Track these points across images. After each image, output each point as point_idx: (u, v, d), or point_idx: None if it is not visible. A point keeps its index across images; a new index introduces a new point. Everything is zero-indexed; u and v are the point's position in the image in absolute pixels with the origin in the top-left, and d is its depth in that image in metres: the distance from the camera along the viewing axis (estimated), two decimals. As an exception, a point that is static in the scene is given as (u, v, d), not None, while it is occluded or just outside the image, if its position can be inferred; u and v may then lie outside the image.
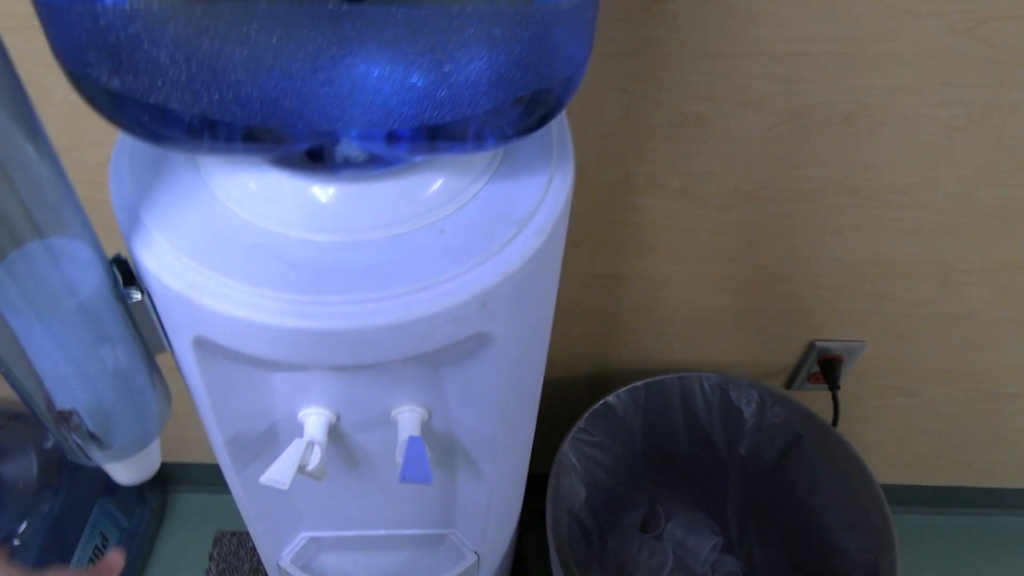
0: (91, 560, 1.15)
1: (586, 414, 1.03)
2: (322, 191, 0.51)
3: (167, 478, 1.43)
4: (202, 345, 0.54)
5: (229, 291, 0.48)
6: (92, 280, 0.49)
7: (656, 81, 0.77)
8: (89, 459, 0.59)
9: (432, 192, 0.53)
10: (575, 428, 1.02)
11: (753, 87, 0.77)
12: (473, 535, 0.81)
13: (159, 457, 0.67)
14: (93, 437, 0.58)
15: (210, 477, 1.27)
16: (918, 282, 0.99)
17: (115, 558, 0.60)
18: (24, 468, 1.04)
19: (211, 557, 1.35)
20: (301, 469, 0.62)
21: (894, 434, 1.27)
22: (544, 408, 1.02)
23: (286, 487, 0.59)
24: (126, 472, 0.63)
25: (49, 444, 1.05)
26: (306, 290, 0.48)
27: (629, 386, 1.06)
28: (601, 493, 1.11)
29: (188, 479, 1.43)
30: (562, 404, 1.11)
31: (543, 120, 0.50)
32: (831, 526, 1.04)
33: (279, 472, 0.61)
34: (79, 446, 0.57)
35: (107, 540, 1.20)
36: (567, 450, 1.00)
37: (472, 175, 0.55)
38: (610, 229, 0.92)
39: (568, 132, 0.60)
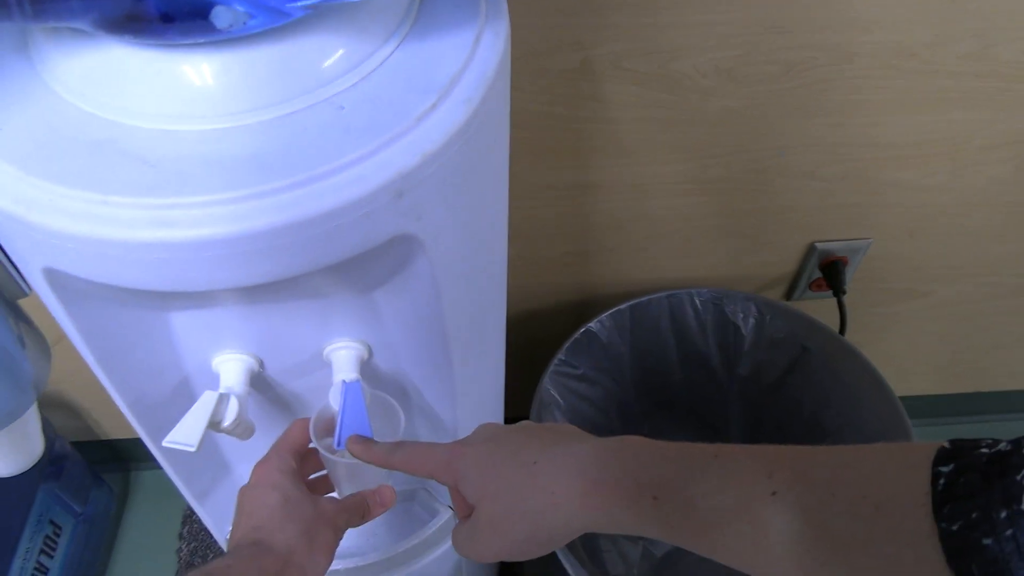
0: (41, 551, 1.05)
1: (566, 344, 0.93)
2: (182, 64, 0.40)
3: (127, 455, 1.34)
4: (57, 280, 0.43)
5: (66, 202, 0.39)
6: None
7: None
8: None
9: (328, 62, 0.42)
10: (555, 360, 0.92)
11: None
12: (443, 489, 0.71)
13: (41, 439, 0.57)
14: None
15: (173, 450, 1.18)
16: (928, 164, 0.89)
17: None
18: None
19: (181, 536, 1.27)
20: (215, 426, 0.53)
21: (906, 342, 1.18)
22: (520, 345, 0.92)
23: (194, 449, 0.51)
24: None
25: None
26: (164, 191, 0.38)
27: (612, 310, 0.98)
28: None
29: (151, 455, 1.32)
30: (540, 340, 1.01)
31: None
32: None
33: (186, 432, 0.52)
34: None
35: (60, 528, 1.10)
36: (547, 385, 0.90)
37: (377, 38, 0.44)
38: (571, 129, 0.81)
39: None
